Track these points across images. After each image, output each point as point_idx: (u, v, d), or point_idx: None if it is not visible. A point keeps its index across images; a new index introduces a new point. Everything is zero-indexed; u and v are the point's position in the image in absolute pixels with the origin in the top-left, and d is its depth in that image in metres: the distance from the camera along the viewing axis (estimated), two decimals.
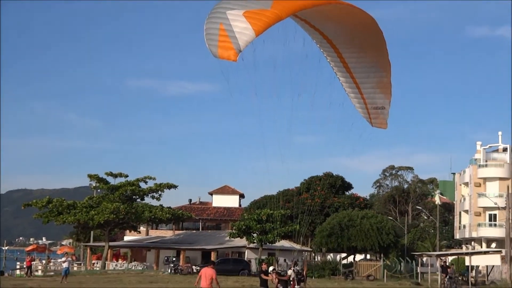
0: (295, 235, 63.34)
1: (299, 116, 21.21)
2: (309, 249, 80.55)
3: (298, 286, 31.09)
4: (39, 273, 62.42)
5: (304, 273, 34.05)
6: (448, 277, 51.09)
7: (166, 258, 73.19)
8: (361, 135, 20.65)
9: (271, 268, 29.60)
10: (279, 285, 28.25)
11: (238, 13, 15.32)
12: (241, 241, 71.70)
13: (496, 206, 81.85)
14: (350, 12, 17.32)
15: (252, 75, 16.63)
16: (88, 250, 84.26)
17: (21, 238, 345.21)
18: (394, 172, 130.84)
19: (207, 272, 23.96)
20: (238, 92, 16.58)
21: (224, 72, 16.06)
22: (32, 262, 63.09)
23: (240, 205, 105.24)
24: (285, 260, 57.68)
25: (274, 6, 15.57)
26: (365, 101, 19.27)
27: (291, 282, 29.30)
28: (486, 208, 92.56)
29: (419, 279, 59.65)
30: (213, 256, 71.83)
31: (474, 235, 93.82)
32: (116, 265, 74.99)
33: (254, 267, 65.33)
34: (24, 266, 63.73)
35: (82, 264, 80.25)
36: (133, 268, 72.14)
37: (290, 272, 29.95)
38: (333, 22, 17.92)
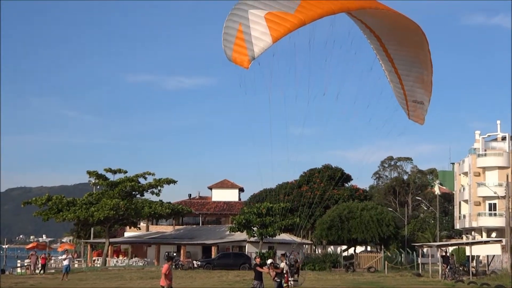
0: (295, 228, 63.41)
1: (301, 109, 21.10)
2: (310, 242, 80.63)
3: (292, 278, 31.10)
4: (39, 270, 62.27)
5: (297, 265, 34.05)
6: (449, 267, 51.13)
7: (166, 253, 73.17)
8: (390, 132, 20.70)
9: (269, 261, 29.65)
10: (276, 278, 28.30)
11: (260, 14, 14.89)
12: (241, 235, 71.69)
13: (495, 195, 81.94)
14: (386, 13, 17.17)
15: (262, 69, 16.27)
16: (89, 247, 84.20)
17: (21, 236, 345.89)
18: (393, 163, 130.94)
19: (162, 269, 23.84)
20: (239, 86, 16.23)
21: (241, 81, 15.77)
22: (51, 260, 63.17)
23: (239, 199, 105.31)
24: (286, 252, 57.65)
25: (299, 10, 15.06)
26: (405, 93, 19.20)
27: (285, 275, 29.30)
28: (485, 198, 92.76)
29: (420, 270, 59.66)
30: (213, 251, 71.88)
31: (474, 225, 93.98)
32: (117, 261, 74.96)
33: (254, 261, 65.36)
34: (28, 263, 63.71)
35: (82, 261, 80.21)
36: (134, 264, 72.09)
37: (282, 265, 29.97)
38: (373, 17, 17.76)
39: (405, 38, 18.23)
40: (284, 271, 29.47)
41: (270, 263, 29.04)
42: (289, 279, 29.96)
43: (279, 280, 28.35)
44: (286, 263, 30.44)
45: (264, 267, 28.01)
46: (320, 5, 15.64)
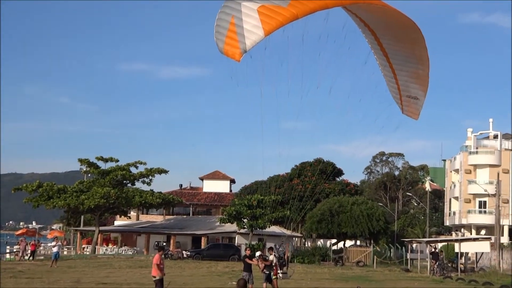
0: (285, 220, 63.50)
1: (293, 103, 21.08)
2: (300, 235, 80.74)
3: (281, 271, 31.16)
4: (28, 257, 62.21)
5: (285, 257, 34.18)
6: (437, 263, 51.28)
7: (156, 243, 73.19)
8: (384, 126, 20.68)
9: (258, 253, 29.76)
10: (265, 270, 28.41)
11: (253, 7, 14.78)
12: (231, 227, 71.77)
13: (486, 193, 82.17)
14: (381, 8, 17.11)
15: (254, 62, 16.17)
16: (78, 235, 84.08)
17: (11, 222, 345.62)
18: (384, 158, 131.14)
19: (153, 259, 23.57)
20: (231, 78, 16.12)
21: (232, 73, 15.68)
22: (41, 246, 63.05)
23: (231, 191, 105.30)
24: (275, 245, 57.78)
25: (292, 4, 14.93)
26: (399, 88, 19.16)
27: (274, 268, 29.42)
28: (476, 195, 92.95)
29: (409, 266, 59.84)
30: (203, 242, 71.89)
31: (464, 221, 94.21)
32: (106, 249, 74.94)
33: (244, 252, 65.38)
34: (17, 250, 63.60)
35: (72, 249, 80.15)
36: (123, 252, 72.07)
37: (271, 257, 30.08)
38: (368, 12, 17.71)
39: (401, 34, 18.17)
40: (273, 264, 29.54)
41: (259, 255, 29.15)
42: (278, 271, 30.00)
43: (268, 272, 28.46)
44: (275, 255, 30.52)
45: (253, 259, 28.10)
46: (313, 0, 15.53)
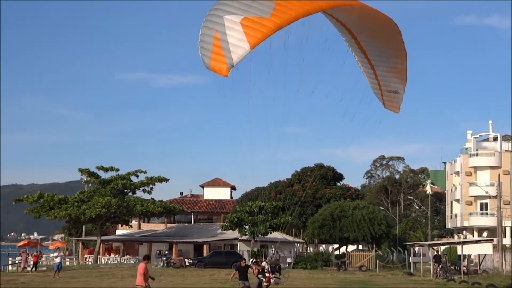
0: (286, 226, 63.42)
1: (291, 108, 21.12)
2: (302, 241, 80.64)
3: (273, 275, 31.31)
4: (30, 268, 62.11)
5: (277, 263, 34.35)
6: (440, 266, 51.22)
7: (158, 251, 73.12)
8: (380, 121, 20.73)
9: (251, 260, 30.08)
10: (260, 275, 28.58)
11: (236, 19, 14.73)
12: (233, 234, 71.65)
13: (487, 195, 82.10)
14: (359, 9, 17.17)
15: (246, 67, 16.11)
16: (80, 245, 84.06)
17: (12, 233, 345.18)
18: (385, 162, 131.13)
19: (139, 268, 23.21)
20: (229, 84, 16.09)
21: (220, 87, 15.58)
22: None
23: (231, 198, 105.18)
24: (277, 251, 57.70)
25: (274, 14, 14.91)
26: (379, 83, 19.26)
27: (267, 274, 29.60)
28: (477, 197, 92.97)
29: (412, 269, 59.77)
30: (205, 249, 71.81)
31: (465, 224, 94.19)
32: (108, 259, 74.82)
33: (247, 259, 65.30)
34: (20, 261, 63.49)
35: (74, 259, 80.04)
36: (125, 262, 71.99)
37: (264, 263, 30.30)
38: (344, 12, 17.76)
39: (376, 29, 18.25)
40: (266, 270, 29.72)
41: (253, 262, 29.45)
42: (271, 276, 30.15)
43: (262, 278, 28.69)
44: (267, 261, 30.82)
45: (249, 268, 28.33)
46: (295, 7, 15.43)
